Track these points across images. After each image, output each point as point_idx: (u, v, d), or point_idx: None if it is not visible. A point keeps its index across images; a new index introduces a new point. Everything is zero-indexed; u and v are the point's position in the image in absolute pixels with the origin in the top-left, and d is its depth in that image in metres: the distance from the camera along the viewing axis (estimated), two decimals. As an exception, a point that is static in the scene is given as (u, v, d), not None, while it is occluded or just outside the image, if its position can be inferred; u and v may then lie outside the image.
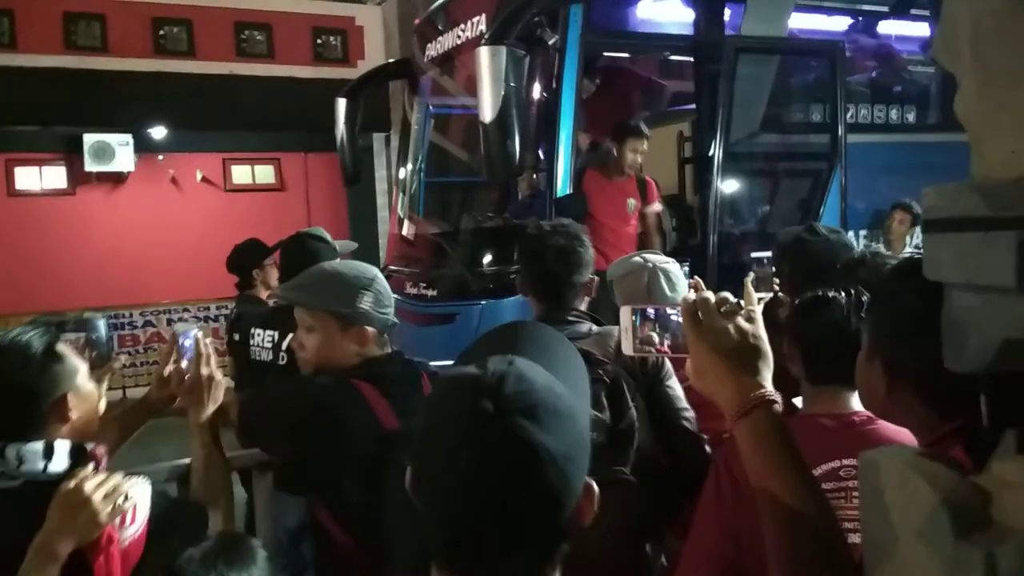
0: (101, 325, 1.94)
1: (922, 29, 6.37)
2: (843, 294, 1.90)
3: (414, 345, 4.95)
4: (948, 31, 0.89)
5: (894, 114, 6.11)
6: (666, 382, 2.47)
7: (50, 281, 9.53)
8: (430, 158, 6.41)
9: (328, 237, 3.33)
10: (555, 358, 1.10)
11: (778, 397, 1.19)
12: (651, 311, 1.33)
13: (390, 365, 2.21)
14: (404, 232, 6.30)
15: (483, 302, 4.89)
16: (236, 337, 3.52)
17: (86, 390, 1.79)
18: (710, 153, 5.16)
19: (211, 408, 2.11)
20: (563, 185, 4.87)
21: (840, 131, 5.42)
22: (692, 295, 1.25)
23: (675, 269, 2.90)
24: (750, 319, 1.23)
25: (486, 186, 5.58)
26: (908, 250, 5.63)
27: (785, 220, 5.57)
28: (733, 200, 5.35)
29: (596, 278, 2.62)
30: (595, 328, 2.49)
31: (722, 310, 1.23)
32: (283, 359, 3.04)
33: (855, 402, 1.84)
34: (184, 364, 2.11)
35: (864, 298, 1.83)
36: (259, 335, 3.18)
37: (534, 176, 5.26)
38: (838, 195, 5.42)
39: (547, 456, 0.89)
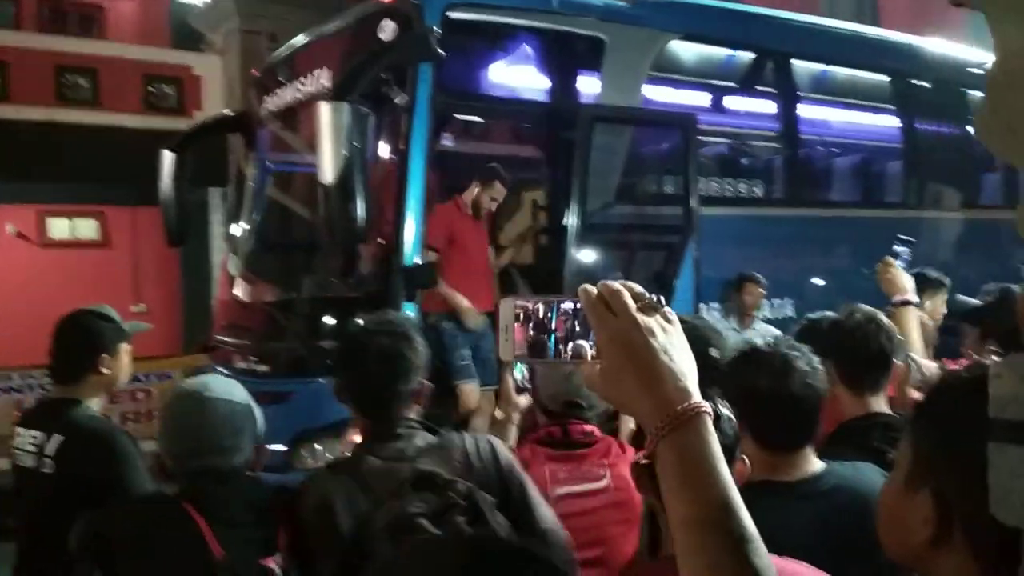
0: None
1: (769, 106, 6.47)
2: None
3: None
4: (1001, 101, 0.56)
5: (743, 187, 6.14)
6: (525, 485, 2.13)
7: None
8: (266, 218, 5.93)
9: (116, 316, 2.81)
10: None
11: (710, 410, 0.93)
12: (539, 306, 1.03)
13: None
14: (235, 299, 5.75)
15: (321, 380, 4.43)
16: None
17: None
18: (564, 222, 4.96)
19: None
20: (412, 253, 4.52)
21: (693, 203, 5.34)
22: (592, 287, 0.97)
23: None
24: (669, 319, 0.98)
25: (328, 251, 5.16)
26: (758, 325, 5.59)
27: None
28: (588, 270, 5.15)
29: (428, 383, 2.24)
30: (430, 439, 2.12)
31: (639, 305, 0.96)
32: (49, 467, 2.49)
33: None
34: None
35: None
36: (21, 434, 2.60)
37: (379, 241, 4.88)
38: (692, 267, 5.31)
39: None
